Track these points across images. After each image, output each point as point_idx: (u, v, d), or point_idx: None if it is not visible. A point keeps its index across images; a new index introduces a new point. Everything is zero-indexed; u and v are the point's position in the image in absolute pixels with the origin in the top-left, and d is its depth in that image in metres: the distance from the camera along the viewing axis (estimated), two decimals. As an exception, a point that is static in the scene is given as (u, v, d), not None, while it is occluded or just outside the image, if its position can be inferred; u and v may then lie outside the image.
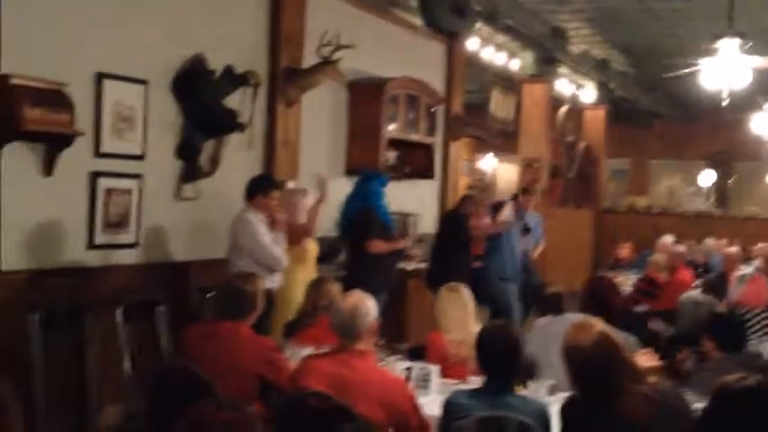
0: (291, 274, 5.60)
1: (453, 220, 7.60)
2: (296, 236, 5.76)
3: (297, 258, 5.73)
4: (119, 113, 5.14)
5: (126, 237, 5.24)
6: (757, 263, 9.28)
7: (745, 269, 6.62)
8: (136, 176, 5.27)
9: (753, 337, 5.35)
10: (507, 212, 8.11)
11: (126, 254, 5.26)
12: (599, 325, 2.98)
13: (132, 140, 5.24)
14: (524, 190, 8.88)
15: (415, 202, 8.46)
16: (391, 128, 7.82)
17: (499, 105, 10.77)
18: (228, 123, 5.81)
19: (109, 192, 5.07)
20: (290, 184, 6.40)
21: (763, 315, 5.67)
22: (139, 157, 5.30)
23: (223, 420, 3.41)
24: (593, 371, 2.85)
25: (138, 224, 5.30)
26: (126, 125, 5.19)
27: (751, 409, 2.29)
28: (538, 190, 10.63)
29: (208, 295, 5.26)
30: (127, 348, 4.76)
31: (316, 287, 4.68)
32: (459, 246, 7.46)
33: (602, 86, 13.40)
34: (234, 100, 5.97)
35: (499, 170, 15.77)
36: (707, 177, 15.85)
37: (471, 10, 8.86)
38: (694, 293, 6.60)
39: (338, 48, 6.28)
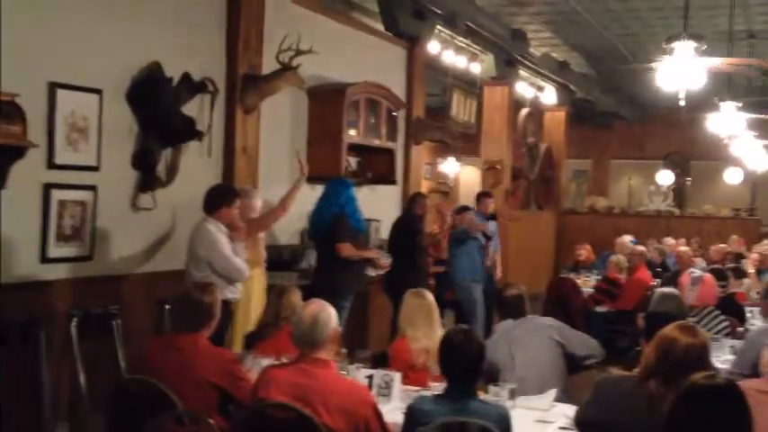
0: (250, 281, 5.56)
1: (406, 224, 7.59)
2: (264, 223, 5.86)
3: (254, 262, 5.70)
4: (73, 124, 5.06)
5: (80, 249, 5.15)
6: (702, 263, 9.40)
7: (696, 271, 6.70)
8: (90, 188, 5.19)
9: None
10: (472, 216, 8.13)
11: (81, 267, 5.17)
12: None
13: (86, 151, 5.16)
14: (482, 194, 8.87)
15: (377, 208, 8.44)
16: (352, 133, 7.79)
17: (460, 108, 10.80)
18: (186, 132, 5.74)
19: (62, 204, 4.99)
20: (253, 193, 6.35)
21: (714, 314, 5.75)
22: (94, 168, 5.22)
23: (183, 434, 3.39)
24: (682, 362, 2.92)
25: (92, 236, 5.22)
26: (80, 136, 5.11)
27: (718, 408, 2.29)
28: (495, 193, 10.70)
29: (167, 307, 5.18)
30: (82, 363, 4.68)
31: (278, 297, 4.63)
32: (416, 249, 7.46)
33: (563, 88, 13.51)
34: (192, 108, 5.90)
35: (461, 173, 15.81)
36: (665, 177, 16.05)
37: (431, 13, 8.87)
38: (667, 288, 6.61)
39: (298, 53, 6.24)
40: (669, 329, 3.06)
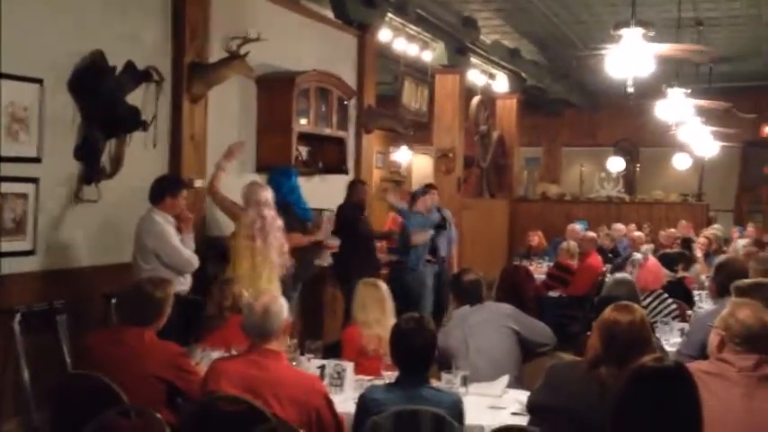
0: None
1: (346, 212, 7.57)
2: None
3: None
4: (12, 114, 4.90)
5: (22, 243, 5.00)
6: (650, 247, 9.56)
7: (636, 255, 6.78)
8: (32, 180, 5.04)
9: (657, 319, 5.45)
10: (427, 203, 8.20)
11: (23, 261, 5.02)
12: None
13: (27, 142, 5.01)
14: (427, 187, 8.91)
15: (329, 198, 8.38)
16: (302, 122, 7.70)
17: (412, 97, 10.78)
18: (130, 121, 5.61)
19: (3, 197, 4.84)
20: (198, 183, 6.26)
21: (662, 297, 5.82)
22: (36, 160, 5.07)
23: (129, 428, 3.32)
24: (628, 342, 2.98)
25: (35, 230, 5.07)
26: (20, 126, 4.96)
27: (666, 390, 2.30)
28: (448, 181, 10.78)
29: (113, 300, 5.09)
30: (26, 359, 4.58)
31: (219, 288, 4.59)
32: (359, 236, 7.44)
33: (514, 76, 13.58)
34: (136, 97, 5.77)
35: (414, 162, 15.81)
36: (615, 163, 16.26)
37: (381, 0, 8.81)
38: (620, 274, 6.71)
39: (246, 41, 6.14)
40: (607, 314, 3.09)
